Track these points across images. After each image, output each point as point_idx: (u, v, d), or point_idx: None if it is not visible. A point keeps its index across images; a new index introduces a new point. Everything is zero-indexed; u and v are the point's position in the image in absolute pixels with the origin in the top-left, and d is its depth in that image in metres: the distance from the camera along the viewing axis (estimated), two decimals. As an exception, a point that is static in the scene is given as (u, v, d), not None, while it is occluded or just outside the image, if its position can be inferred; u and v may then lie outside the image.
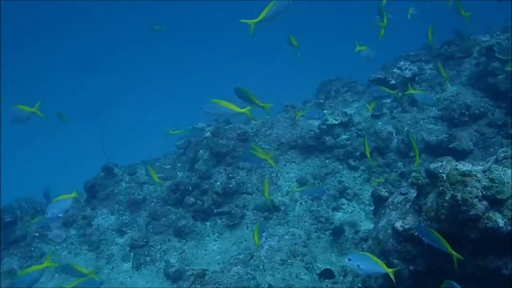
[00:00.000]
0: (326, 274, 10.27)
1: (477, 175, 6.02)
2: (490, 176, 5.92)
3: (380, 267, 6.20)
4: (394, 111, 13.17)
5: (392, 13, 11.14)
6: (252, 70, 39.83)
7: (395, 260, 6.86)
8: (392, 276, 6.19)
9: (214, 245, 12.23)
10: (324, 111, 13.28)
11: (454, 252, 5.88)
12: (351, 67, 18.71)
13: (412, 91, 11.37)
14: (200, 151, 13.68)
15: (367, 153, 10.01)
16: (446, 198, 6.07)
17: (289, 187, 12.67)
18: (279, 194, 12.62)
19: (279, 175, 12.99)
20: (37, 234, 13.39)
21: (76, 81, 46.26)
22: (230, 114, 7.87)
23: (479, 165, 6.43)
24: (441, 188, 6.19)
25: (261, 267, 10.80)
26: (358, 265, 6.30)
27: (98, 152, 20.97)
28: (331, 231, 11.44)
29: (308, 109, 13.94)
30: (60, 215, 9.38)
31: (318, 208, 11.98)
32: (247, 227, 12.26)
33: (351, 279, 9.52)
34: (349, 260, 6.46)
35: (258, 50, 43.24)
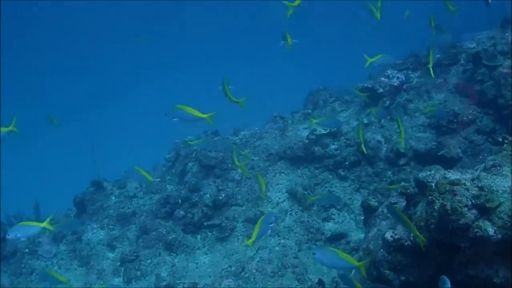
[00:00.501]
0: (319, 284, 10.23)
1: (466, 183, 6.01)
2: (479, 185, 5.91)
3: (347, 261, 6.23)
4: (383, 120, 13.16)
5: (389, 13, 11.17)
6: (248, 75, 39.75)
7: (386, 271, 6.84)
8: (362, 270, 6.24)
9: (205, 258, 12.19)
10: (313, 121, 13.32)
11: (420, 235, 6.01)
12: (341, 76, 18.74)
13: (431, 108, 11.47)
14: (189, 164, 13.67)
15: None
16: (436, 207, 6.06)
17: (279, 198, 12.64)
18: (269, 205, 12.59)
19: (268, 186, 12.96)
20: (27, 250, 13.33)
21: (76, 82, 46.19)
22: (192, 119, 7.93)
23: (468, 173, 6.42)
24: (430, 197, 6.18)
25: (252, 279, 10.77)
26: (323, 260, 6.33)
27: (98, 152, 21.04)
28: (326, 239, 11.48)
29: (324, 117, 13.89)
30: (22, 239, 9.35)
31: (309, 219, 11.96)
32: (238, 239, 12.23)
33: (342, 290, 9.50)
34: (314, 254, 6.49)
35: (252, 55, 43.36)
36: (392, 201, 8.39)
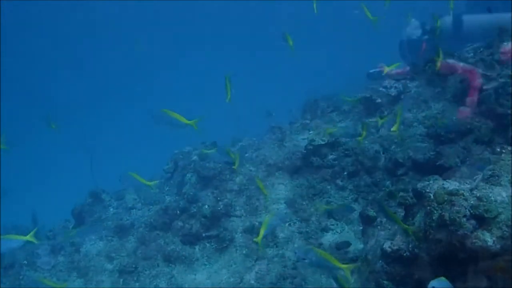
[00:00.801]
0: None
1: (465, 193, 6.01)
2: (478, 195, 5.91)
3: (329, 262, 6.30)
4: (381, 130, 13.14)
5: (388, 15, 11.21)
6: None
7: (384, 281, 6.83)
8: (347, 273, 6.28)
9: (203, 269, 12.15)
10: (310, 132, 13.33)
11: (405, 225, 6.27)
12: (341, 84, 18.74)
13: (444, 121, 11.47)
14: (188, 175, 13.69)
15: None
16: (434, 217, 6.06)
17: (277, 209, 12.61)
18: (267, 216, 12.55)
19: (267, 196, 12.94)
20: (25, 262, 13.31)
21: (75, 84, 46.23)
22: (177, 124, 8.12)
23: (467, 183, 6.42)
24: (428, 208, 6.17)
25: (251, 290, 10.75)
26: (303, 258, 6.39)
27: (97, 158, 21.08)
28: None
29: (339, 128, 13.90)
30: (5, 252, 9.55)
31: (307, 229, 11.93)
32: (236, 250, 12.20)
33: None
34: (295, 253, 6.61)
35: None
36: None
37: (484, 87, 11.43)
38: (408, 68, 13.50)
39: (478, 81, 11.29)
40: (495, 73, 11.75)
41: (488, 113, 11.66)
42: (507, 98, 11.04)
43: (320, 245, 11.58)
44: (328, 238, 11.73)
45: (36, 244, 13.08)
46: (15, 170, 35.46)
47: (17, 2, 45.64)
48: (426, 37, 13.84)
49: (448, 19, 13.46)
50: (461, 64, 11.91)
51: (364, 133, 10.59)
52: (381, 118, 12.65)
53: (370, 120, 13.31)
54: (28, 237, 9.10)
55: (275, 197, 12.92)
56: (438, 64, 10.82)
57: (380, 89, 13.93)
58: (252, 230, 12.28)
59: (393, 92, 13.73)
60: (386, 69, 11.25)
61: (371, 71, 13.59)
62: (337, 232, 11.85)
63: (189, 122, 7.94)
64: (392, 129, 10.17)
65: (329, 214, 12.09)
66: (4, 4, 43.80)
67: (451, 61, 11.52)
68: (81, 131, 36.09)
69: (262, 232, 7.86)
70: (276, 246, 11.81)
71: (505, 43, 12.36)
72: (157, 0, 49.30)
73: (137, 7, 50.95)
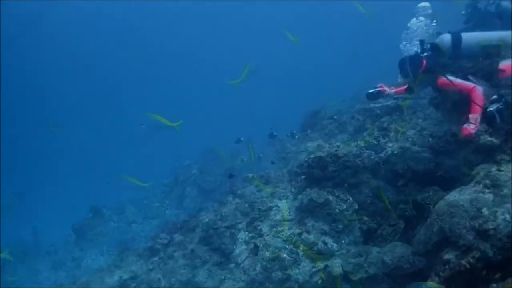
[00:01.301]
0: None
1: (465, 205, 6.00)
2: (478, 206, 5.90)
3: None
4: (381, 141, 13.13)
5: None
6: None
7: (386, 293, 6.83)
8: (319, 263, 6.40)
9: (204, 282, 12.12)
10: (309, 144, 13.32)
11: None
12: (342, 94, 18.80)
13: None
14: (188, 188, 13.69)
15: None
16: (434, 229, 6.04)
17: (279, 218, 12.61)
18: (268, 227, 12.54)
19: (268, 210, 12.91)
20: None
21: (76, 87, 46.13)
22: (162, 127, 8.25)
23: (466, 194, 6.41)
24: (428, 219, 6.17)
25: (251, 302, 10.74)
26: None
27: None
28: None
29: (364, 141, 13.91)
30: None
31: (308, 241, 11.90)
32: (236, 262, 12.17)
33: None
34: None
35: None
36: (391, 223, 8.38)
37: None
38: (406, 86, 13.47)
39: (480, 98, 11.24)
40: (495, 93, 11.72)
41: (488, 123, 11.64)
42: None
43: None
44: (330, 250, 11.71)
45: (37, 260, 13.12)
46: (15, 183, 35.51)
47: (17, 2, 45.71)
48: (425, 54, 13.80)
49: (446, 37, 13.43)
50: (462, 81, 11.86)
51: (372, 128, 10.59)
52: (401, 127, 12.65)
53: (370, 131, 13.29)
54: (3, 254, 9.27)
55: (275, 209, 12.89)
56: (439, 81, 10.82)
57: (379, 99, 13.93)
58: (252, 243, 12.27)
59: (392, 103, 13.75)
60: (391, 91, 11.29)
61: (370, 91, 13.55)
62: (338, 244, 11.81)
63: (172, 124, 8.08)
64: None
65: (330, 225, 12.06)
66: (4, 4, 43.89)
67: (451, 78, 11.48)
68: (80, 143, 36.13)
69: (286, 215, 7.98)
70: (278, 259, 11.78)
71: (504, 53, 12.35)
72: (160, 0, 49.33)
73: (139, 8, 50.99)
